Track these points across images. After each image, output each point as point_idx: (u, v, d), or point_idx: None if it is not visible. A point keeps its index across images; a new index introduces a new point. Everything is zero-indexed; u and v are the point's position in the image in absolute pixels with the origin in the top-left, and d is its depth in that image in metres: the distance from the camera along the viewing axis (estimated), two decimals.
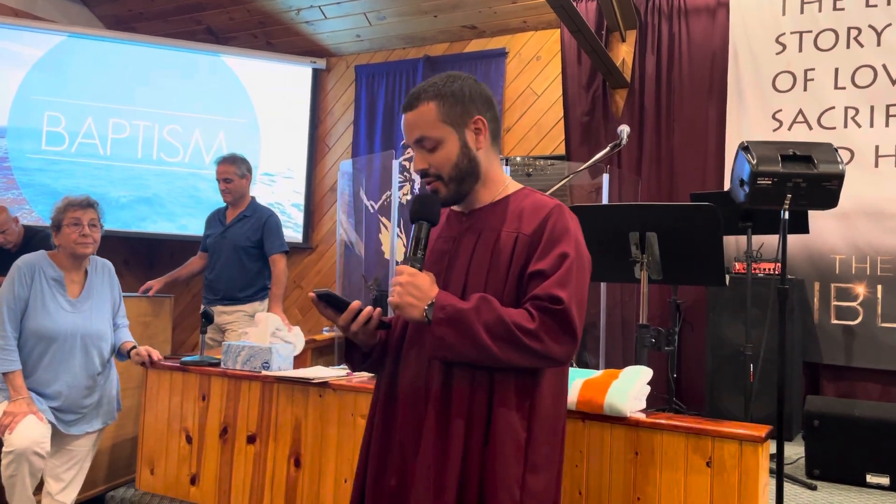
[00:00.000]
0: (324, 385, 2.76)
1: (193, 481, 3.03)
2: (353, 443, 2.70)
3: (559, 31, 5.56)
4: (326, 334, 4.88)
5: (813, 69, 4.63)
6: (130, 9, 6.66)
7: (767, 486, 2.24)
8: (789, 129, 4.65)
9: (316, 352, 4.78)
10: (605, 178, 4.71)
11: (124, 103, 6.32)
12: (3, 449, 2.57)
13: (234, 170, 4.09)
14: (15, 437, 2.55)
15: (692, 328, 4.89)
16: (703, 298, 4.62)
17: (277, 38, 6.66)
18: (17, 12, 6.18)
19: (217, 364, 3.06)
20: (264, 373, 2.90)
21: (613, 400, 2.27)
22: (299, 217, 6.64)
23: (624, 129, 3.23)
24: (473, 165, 1.62)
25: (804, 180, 2.68)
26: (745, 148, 2.82)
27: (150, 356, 3.01)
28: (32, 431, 2.59)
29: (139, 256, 6.94)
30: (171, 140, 6.44)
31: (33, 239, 4.58)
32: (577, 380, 2.36)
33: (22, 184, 6.06)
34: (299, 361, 3.94)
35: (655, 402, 4.57)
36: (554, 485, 1.63)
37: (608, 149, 3.24)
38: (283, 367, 2.97)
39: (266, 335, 3.09)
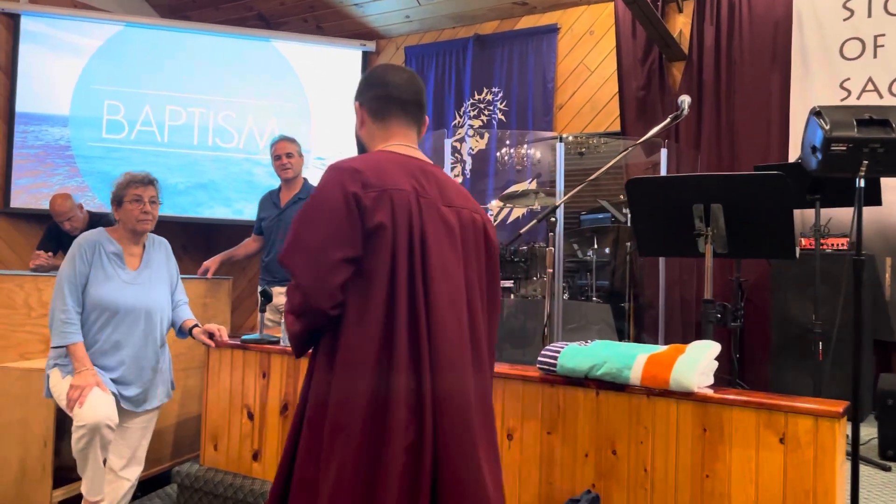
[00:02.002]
0: None
1: (256, 457, 3.06)
2: None
3: (612, 3, 5.43)
4: None
5: (883, 35, 4.41)
6: None
7: (844, 462, 2.15)
8: (858, 97, 4.45)
9: None
10: (664, 153, 4.58)
11: (180, 90, 6.41)
12: (75, 423, 2.63)
13: (294, 147, 4.15)
14: (86, 410, 2.60)
15: (755, 307, 4.75)
16: (767, 275, 4.48)
17: (327, 21, 6.66)
18: (75, 3, 6.32)
19: (276, 342, 3.08)
20: None
21: (680, 375, 2.20)
22: None
23: (685, 99, 3.12)
24: (360, 144, 1.81)
25: (881, 145, 2.55)
26: (817, 113, 2.70)
27: (214, 334, 3.02)
28: (101, 403, 2.64)
29: (197, 241, 7.07)
30: (226, 126, 6.51)
31: (98, 223, 4.69)
32: (641, 355, 2.30)
33: (84, 171, 6.21)
34: None
35: (718, 382, 4.45)
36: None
37: (668, 120, 3.13)
38: None
39: None
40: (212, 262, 4.12)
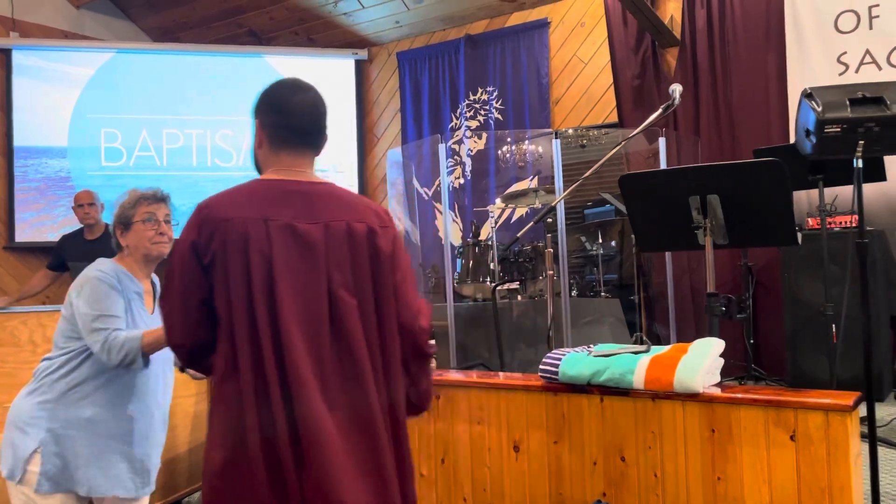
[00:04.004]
0: None
1: None
2: (419, 436, 2.65)
3: None
4: None
5: (877, 5, 4.32)
6: (174, 19, 6.74)
7: (860, 456, 2.09)
8: (857, 71, 4.36)
9: None
10: (662, 141, 4.51)
11: (176, 113, 6.41)
12: None
13: None
14: None
15: (767, 291, 4.66)
16: (776, 259, 4.40)
17: (318, 32, 6.64)
18: (66, 34, 6.33)
19: None
20: None
21: (684, 376, 2.15)
22: None
23: (676, 88, 3.06)
24: (256, 162, 1.81)
25: (877, 124, 2.48)
26: (808, 95, 2.63)
27: None
28: None
29: None
30: (224, 145, 6.51)
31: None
32: (643, 358, 2.25)
33: None
34: None
35: (733, 370, 4.39)
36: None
37: (660, 111, 3.08)
38: None
39: None
40: None
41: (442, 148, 4.41)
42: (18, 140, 6.06)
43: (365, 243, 1.69)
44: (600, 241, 4.90)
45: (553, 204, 3.20)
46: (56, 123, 6.19)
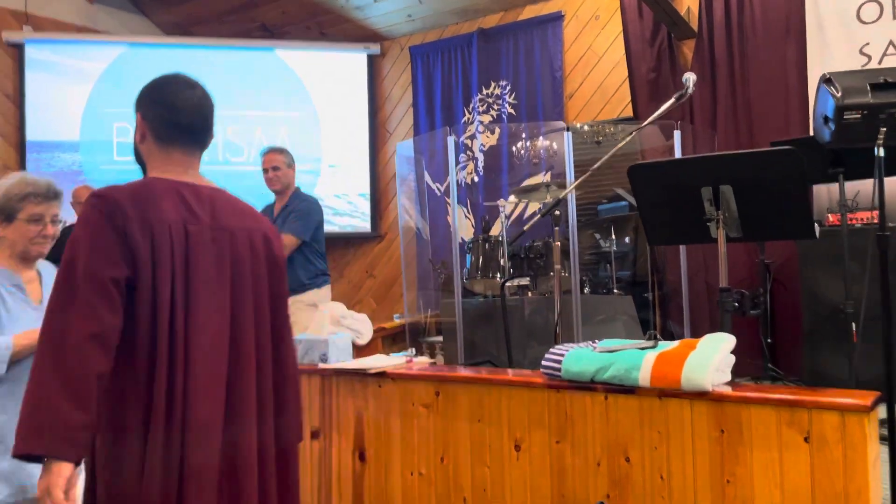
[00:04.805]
0: (381, 375, 2.64)
1: None
2: (417, 433, 2.57)
3: None
4: (396, 321, 4.78)
5: None
6: (187, 13, 6.71)
7: (878, 458, 1.97)
8: (879, 62, 4.21)
9: (388, 339, 4.69)
10: (677, 135, 4.40)
11: None
12: None
13: (281, 158, 4.09)
14: None
15: (785, 288, 4.53)
16: (795, 255, 4.26)
17: (330, 27, 6.57)
18: (78, 28, 6.32)
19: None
20: (321, 366, 2.80)
21: (692, 373, 2.05)
22: (366, 206, 6.57)
23: (689, 77, 2.95)
24: (138, 155, 1.76)
25: None
26: (827, 80, 2.51)
27: None
28: None
29: None
30: (235, 140, 6.46)
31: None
32: (649, 354, 2.15)
33: None
34: (369, 349, 3.84)
35: (748, 369, 4.26)
36: None
37: (672, 100, 2.97)
38: (341, 358, 2.86)
39: (324, 327, 2.99)
40: None
41: (451, 140, 4.32)
42: (31, 134, 6.05)
43: (262, 252, 1.70)
44: (613, 237, 4.79)
45: (561, 196, 3.11)
46: (69, 117, 6.17)
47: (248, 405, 1.61)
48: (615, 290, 4.76)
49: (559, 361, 2.28)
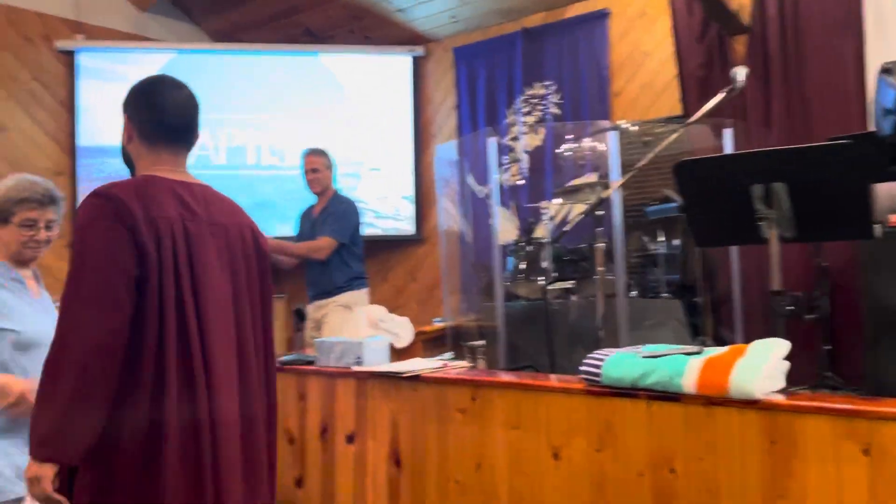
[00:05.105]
0: (416, 379, 2.57)
1: (299, 484, 2.93)
2: (453, 439, 2.49)
3: None
4: (437, 325, 4.72)
5: None
6: (234, 20, 6.79)
7: None
8: None
9: (429, 343, 4.62)
10: (728, 134, 4.24)
11: (233, 112, 6.44)
12: None
13: (321, 160, 4.10)
14: None
15: (845, 293, 4.31)
16: (856, 258, 4.05)
17: (374, 30, 6.56)
18: (129, 36, 6.44)
19: (312, 362, 2.94)
20: (356, 368, 2.75)
21: (740, 380, 1.93)
22: (409, 209, 6.53)
23: (739, 71, 2.82)
24: (126, 156, 1.78)
25: None
26: (886, 70, 2.37)
27: None
28: None
29: None
30: (279, 144, 6.50)
31: None
32: (694, 360, 2.03)
33: None
34: (409, 353, 3.78)
35: (805, 378, 4.06)
36: None
37: (722, 94, 2.84)
38: (377, 361, 2.80)
39: (359, 329, 2.94)
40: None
41: (492, 142, 4.24)
42: (82, 140, 6.19)
43: (252, 248, 1.71)
44: (662, 239, 4.64)
45: (603, 196, 3.00)
46: (118, 123, 6.28)
47: (257, 397, 1.64)
48: (663, 294, 4.61)
49: (599, 366, 2.18)
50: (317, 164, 4.13)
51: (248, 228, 1.75)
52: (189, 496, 1.48)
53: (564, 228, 3.12)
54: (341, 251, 4.06)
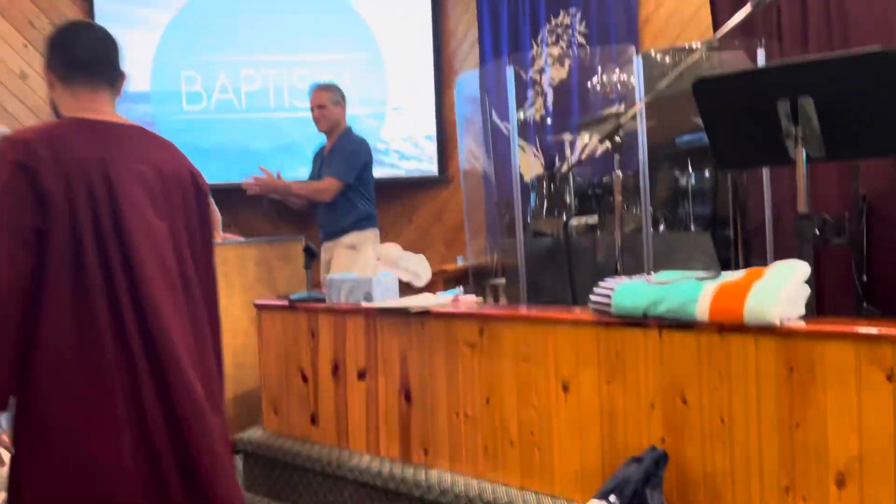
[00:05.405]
0: (425, 314, 2.51)
1: (313, 420, 2.92)
2: (462, 373, 2.44)
3: None
4: (460, 264, 4.64)
5: None
6: None
7: None
8: None
9: (452, 282, 4.56)
10: (761, 54, 4.00)
11: (252, 54, 6.33)
12: None
13: (327, 96, 3.91)
14: None
15: (884, 221, 4.10)
16: (894, 183, 3.84)
17: None
18: None
19: (323, 300, 2.90)
20: (365, 305, 2.70)
21: (756, 305, 1.81)
22: (432, 149, 6.40)
23: None
24: (53, 106, 1.73)
25: None
26: None
27: None
28: None
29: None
30: (300, 86, 6.38)
31: None
32: (709, 285, 1.92)
33: None
34: (428, 291, 3.72)
35: (840, 309, 3.91)
36: None
37: (748, 8, 2.64)
38: (386, 297, 2.74)
39: (368, 268, 2.88)
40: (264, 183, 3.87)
41: (511, 71, 4.08)
42: None
43: (190, 186, 1.65)
44: (691, 170, 4.45)
45: (621, 121, 2.85)
46: (139, 68, 6.23)
47: (205, 338, 1.58)
48: (693, 228, 4.45)
49: (608, 295, 2.08)
50: (323, 100, 3.91)
51: (186, 170, 1.70)
52: (139, 449, 1.45)
53: (577, 159, 2.98)
54: (348, 192, 3.89)
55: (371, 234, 3.95)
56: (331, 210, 3.89)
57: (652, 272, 2.21)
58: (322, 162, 4.02)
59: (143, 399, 1.45)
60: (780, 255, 4.17)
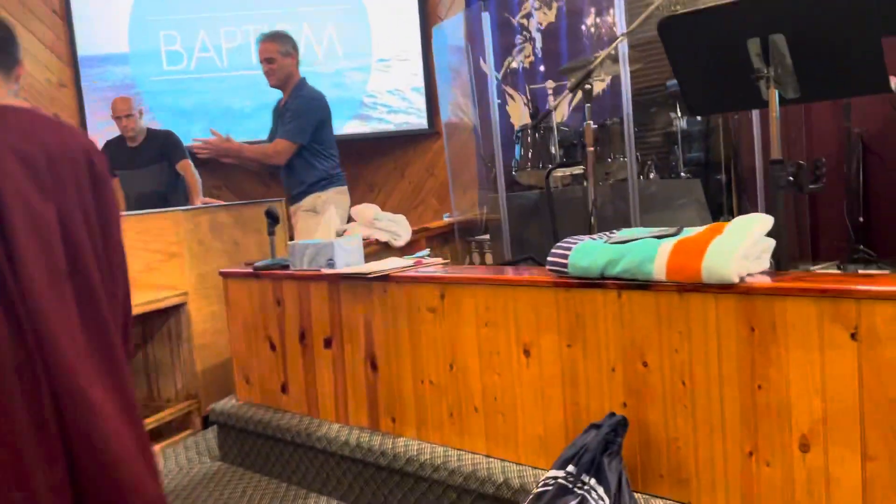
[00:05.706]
0: (384, 279, 2.42)
1: (284, 390, 2.87)
2: (425, 339, 2.36)
3: None
4: (445, 220, 4.54)
5: None
6: None
7: None
8: None
9: (437, 239, 4.46)
10: None
11: (230, 9, 6.15)
12: None
13: (275, 47, 3.61)
14: None
15: (881, 161, 3.94)
16: (891, 123, 3.68)
17: None
18: None
19: (287, 266, 2.81)
20: (325, 271, 2.61)
21: (713, 262, 1.71)
22: (421, 101, 6.23)
23: None
24: None
25: None
26: None
27: None
28: None
29: None
30: None
31: (167, 141, 4.54)
32: (666, 243, 1.81)
33: (153, 107, 6.15)
34: (411, 250, 3.63)
35: (834, 254, 3.79)
36: None
37: None
38: (350, 262, 2.65)
39: (332, 228, 2.78)
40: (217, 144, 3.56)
41: (485, 17, 3.90)
42: (82, 50, 6.01)
43: (83, 163, 1.54)
44: (680, 114, 4.29)
45: (591, 67, 2.70)
46: (116, 30, 6.08)
47: (104, 331, 1.49)
48: (683, 174, 4.31)
49: (566, 256, 1.98)
50: (271, 52, 3.57)
51: (80, 148, 1.59)
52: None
53: (550, 108, 2.85)
54: (304, 153, 3.62)
55: (334, 194, 3.68)
56: (289, 173, 3.65)
57: (614, 231, 2.10)
58: (275, 121, 3.84)
59: (44, 409, 1.37)
60: (772, 199, 4.03)
